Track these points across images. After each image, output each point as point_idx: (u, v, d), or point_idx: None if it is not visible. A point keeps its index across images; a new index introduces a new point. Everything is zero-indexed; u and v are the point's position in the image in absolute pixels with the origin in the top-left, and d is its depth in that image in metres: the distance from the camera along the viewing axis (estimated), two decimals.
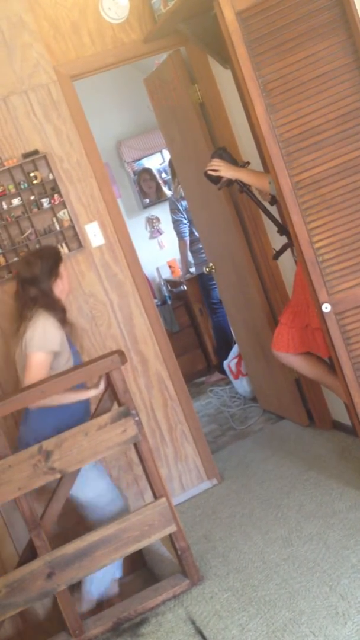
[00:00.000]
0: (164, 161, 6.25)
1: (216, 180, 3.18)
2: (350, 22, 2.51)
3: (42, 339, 2.75)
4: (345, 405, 3.31)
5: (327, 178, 2.64)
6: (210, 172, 3.15)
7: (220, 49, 3.33)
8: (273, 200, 3.14)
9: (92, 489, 2.86)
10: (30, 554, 2.74)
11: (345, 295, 2.69)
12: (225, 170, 3.12)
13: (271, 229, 3.50)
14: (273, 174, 2.71)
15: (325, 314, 2.71)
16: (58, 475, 2.66)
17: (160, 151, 6.19)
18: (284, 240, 3.27)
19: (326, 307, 2.70)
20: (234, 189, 3.77)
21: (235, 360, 4.83)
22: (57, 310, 2.88)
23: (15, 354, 2.91)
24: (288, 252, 3.48)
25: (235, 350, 4.87)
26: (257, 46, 2.61)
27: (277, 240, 3.44)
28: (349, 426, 3.50)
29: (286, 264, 3.66)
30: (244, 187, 3.21)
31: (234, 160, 3.19)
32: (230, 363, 4.90)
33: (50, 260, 2.91)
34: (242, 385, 4.81)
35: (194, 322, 5.82)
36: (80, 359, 3.04)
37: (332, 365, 3.10)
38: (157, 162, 6.25)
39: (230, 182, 3.21)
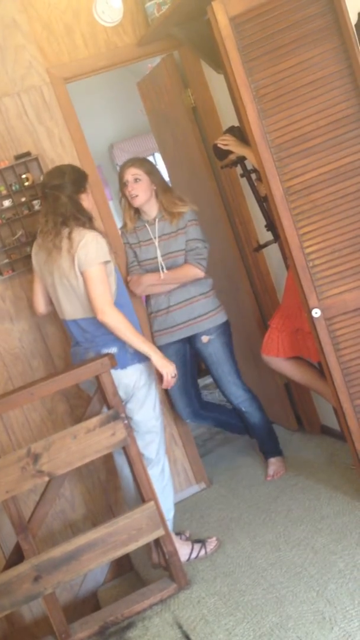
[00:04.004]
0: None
1: (223, 154, 3.23)
2: (342, 29, 2.52)
3: (96, 253, 2.78)
4: (334, 410, 3.31)
5: (319, 184, 2.65)
6: (220, 145, 3.19)
7: (213, 53, 3.33)
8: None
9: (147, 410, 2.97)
10: (17, 557, 2.73)
11: (334, 300, 2.70)
12: (234, 146, 3.16)
13: (259, 224, 3.52)
14: (265, 179, 2.71)
15: (315, 319, 2.72)
16: (46, 478, 2.66)
17: (153, 154, 6.19)
18: (269, 236, 3.34)
19: (316, 313, 2.71)
20: (228, 187, 3.78)
21: None
22: (86, 216, 2.88)
23: (50, 280, 2.92)
24: (280, 257, 3.49)
25: None
26: (250, 52, 2.61)
27: (265, 236, 3.49)
28: (338, 431, 3.51)
29: (277, 268, 3.67)
30: (245, 172, 3.25)
31: (245, 141, 3.22)
32: None
33: (79, 173, 2.96)
34: None
35: None
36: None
37: (321, 371, 3.11)
38: None
39: (234, 163, 3.26)
